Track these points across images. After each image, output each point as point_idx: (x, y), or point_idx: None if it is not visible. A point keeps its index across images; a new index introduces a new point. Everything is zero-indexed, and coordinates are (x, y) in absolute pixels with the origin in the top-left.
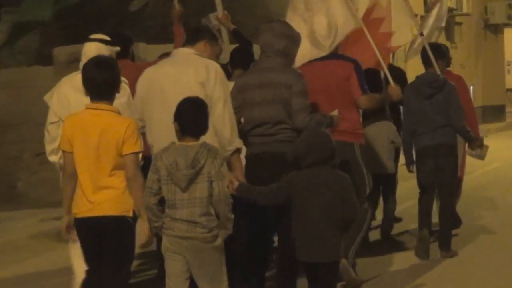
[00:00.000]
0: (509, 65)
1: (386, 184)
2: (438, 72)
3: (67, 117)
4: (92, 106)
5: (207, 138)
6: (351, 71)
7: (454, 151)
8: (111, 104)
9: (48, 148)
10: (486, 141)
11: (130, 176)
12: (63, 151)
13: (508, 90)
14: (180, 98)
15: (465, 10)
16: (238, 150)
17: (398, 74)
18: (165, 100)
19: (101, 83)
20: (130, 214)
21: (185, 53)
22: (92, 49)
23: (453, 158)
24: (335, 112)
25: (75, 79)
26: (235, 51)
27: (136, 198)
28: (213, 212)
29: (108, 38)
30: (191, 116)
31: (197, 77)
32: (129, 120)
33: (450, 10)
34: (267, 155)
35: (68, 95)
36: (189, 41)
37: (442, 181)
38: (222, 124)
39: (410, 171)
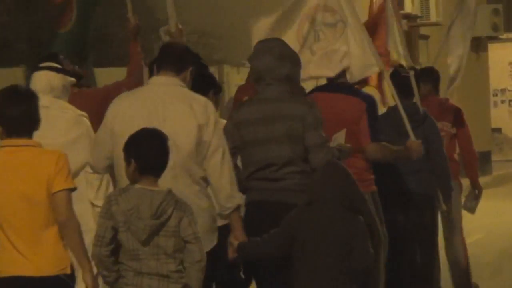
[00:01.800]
0: (496, 95)
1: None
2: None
3: None
4: (8, 143)
5: (196, 194)
6: (362, 113)
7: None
8: (31, 138)
9: None
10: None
11: (63, 219)
12: None
13: (494, 130)
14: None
15: (433, 19)
16: (238, 208)
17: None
18: None
19: (17, 117)
20: (68, 271)
21: (170, 84)
22: (42, 79)
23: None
24: (342, 134)
25: None
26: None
27: (74, 246)
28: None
29: (59, 66)
30: (154, 150)
31: (196, 118)
32: (57, 152)
33: (413, 18)
34: (269, 206)
35: None
36: (172, 69)
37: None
38: (219, 176)
39: None
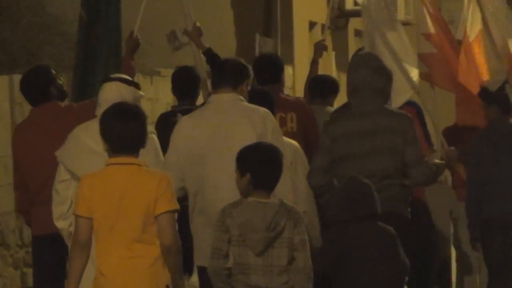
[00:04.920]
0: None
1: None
2: None
3: (84, 176)
4: (113, 161)
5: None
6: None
7: None
8: (136, 157)
9: (57, 211)
10: None
11: (167, 243)
12: (78, 216)
13: None
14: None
15: (401, 16)
16: None
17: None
18: (219, 157)
19: (124, 135)
20: None
21: (230, 100)
22: (113, 89)
23: None
24: (436, 157)
25: (92, 128)
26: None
27: (173, 268)
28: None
29: (130, 78)
30: (269, 164)
31: (255, 130)
32: (161, 173)
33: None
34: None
35: (86, 147)
36: (230, 85)
37: None
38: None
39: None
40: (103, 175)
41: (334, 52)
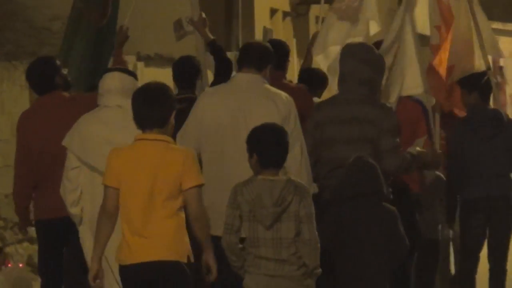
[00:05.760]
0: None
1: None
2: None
3: (113, 150)
4: (143, 136)
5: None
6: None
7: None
8: (165, 133)
9: (70, 198)
10: None
11: (194, 214)
12: (107, 186)
13: None
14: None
15: None
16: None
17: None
18: (237, 134)
19: (149, 113)
20: (185, 260)
21: (253, 80)
22: (115, 78)
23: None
24: (421, 141)
25: (104, 115)
26: None
27: (203, 238)
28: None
29: (129, 69)
30: (274, 144)
31: (279, 112)
32: (187, 149)
33: None
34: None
35: (96, 135)
36: (254, 66)
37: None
38: (298, 168)
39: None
40: (133, 149)
41: (295, 39)
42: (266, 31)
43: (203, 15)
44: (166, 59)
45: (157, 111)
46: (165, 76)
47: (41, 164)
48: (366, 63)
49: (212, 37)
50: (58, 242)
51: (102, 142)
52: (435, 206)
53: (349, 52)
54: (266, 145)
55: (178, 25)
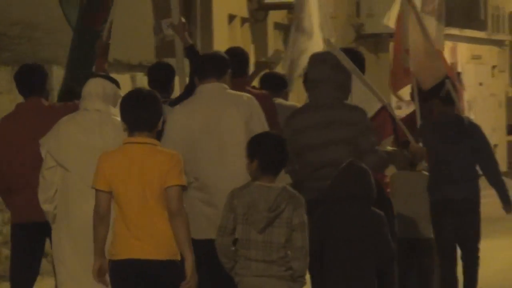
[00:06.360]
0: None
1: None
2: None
3: (103, 154)
4: (132, 140)
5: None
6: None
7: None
8: (153, 137)
9: (43, 196)
10: None
11: (174, 211)
12: (97, 190)
13: None
14: (226, 138)
15: None
16: None
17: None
18: (211, 141)
19: (138, 117)
20: (179, 257)
21: (216, 89)
22: (98, 84)
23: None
24: (388, 140)
25: (82, 118)
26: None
27: (181, 237)
28: (289, 254)
29: (112, 77)
30: (273, 152)
31: (242, 116)
32: (174, 152)
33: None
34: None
35: (72, 137)
36: (214, 75)
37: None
38: None
39: None
40: (121, 152)
41: (253, 45)
42: (278, 52)
43: (183, 19)
44: (125, 65)
45: (149, 114)
46: (123, 82)
47: (14, 168)
48: (338, 68)
49: (190, 41)
50: (33, 246)
51: (76, 144)
52: (426, 205)
53: (320, 59)
54: (268, 151)
55: (157, 28)
